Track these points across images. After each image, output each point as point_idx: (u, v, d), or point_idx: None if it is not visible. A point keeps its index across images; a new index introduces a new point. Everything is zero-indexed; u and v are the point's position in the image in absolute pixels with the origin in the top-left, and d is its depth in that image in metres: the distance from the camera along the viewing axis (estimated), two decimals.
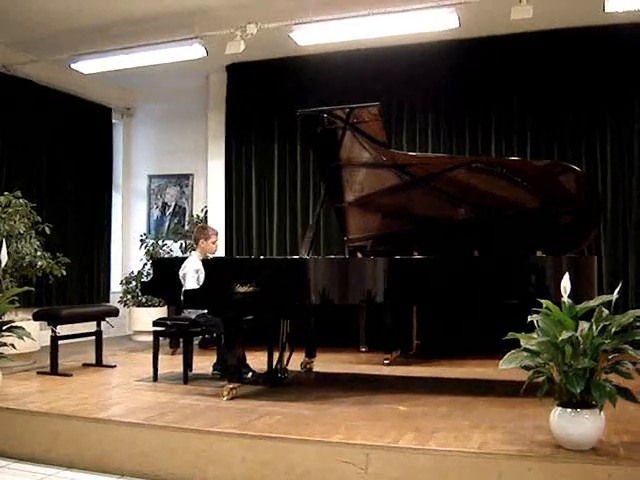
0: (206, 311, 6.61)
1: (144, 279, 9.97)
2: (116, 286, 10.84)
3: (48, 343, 7.05)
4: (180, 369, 6.61)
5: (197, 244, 7.07)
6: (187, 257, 7.36)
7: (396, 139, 8.99)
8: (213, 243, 6.96)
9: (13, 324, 5.82)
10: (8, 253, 6.32)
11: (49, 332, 7.02)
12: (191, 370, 6.79)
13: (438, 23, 7.51)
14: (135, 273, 10.48)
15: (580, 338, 3.91)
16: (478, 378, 6.70)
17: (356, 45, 8.57)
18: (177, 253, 10.55)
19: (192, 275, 6.66)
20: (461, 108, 8.87)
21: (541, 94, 8.47)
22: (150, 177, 11.37)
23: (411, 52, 8.79)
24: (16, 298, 6.05)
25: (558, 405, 4.01)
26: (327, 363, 7.55)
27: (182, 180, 11.15)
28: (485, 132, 8.77)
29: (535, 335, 4.08)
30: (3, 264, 6.16)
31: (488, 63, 8.67)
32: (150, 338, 7.03)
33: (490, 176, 6.24)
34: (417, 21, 7.42)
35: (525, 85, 8.53)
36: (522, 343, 4.10)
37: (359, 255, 7.04)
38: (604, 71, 8.18)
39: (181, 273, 6.84)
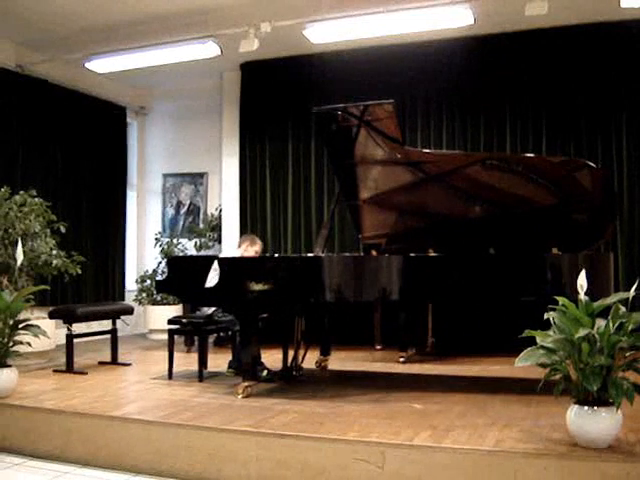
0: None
1: (159, 277, 10.01)
2: (131, 284, 10.88)
3: (64, 341, 7.08)
4: (195, 367, 6.62)
5: (240, 246, 7.08)
6: (202, 255, 7.35)
7: (411, 136, 8.96)
8: (256, 253, 6.96)
9: (29, 322, 5.85)
10: (24, 252, 6.35)
11: (65, 330, 7.05)
12: (206, 368, 6.80)
13: (453, 20, 7.48)
14: (150, 272, 10.53)
15: (597, 335, 3.89)
16: (494, 376, 6.66)
17: (370, 42, 8.55)
18: (192, 251, 10.58)
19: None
20: (476, 105, 8.83)
21: (556, 90, 8.42)
22: (164, 176, 11.40)
23: (425, 49, 8.77)
24: (32, 297, 6.07)
25: (575, 403, 3.98)
26: (342, 361, 7.55)
27: (196, 179, 11.17)
28: (500, 129, 8.72)
29: (551, 333, 4.06)
30: (19, 263, 6.20)
31: (503, 60, 8.63)
32: (165, 336, 7.05)
33: (505, 173, 6.20)
34: (432, 18, 7.40)
35: (540, 81, 8.48)
36: (538, 341, 4.08)
37: (374, 253, 7.03)
38: (620, 67, 8.12)
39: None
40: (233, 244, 8.97)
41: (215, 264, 6.69)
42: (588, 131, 8.32)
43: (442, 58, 8.78)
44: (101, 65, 9.07)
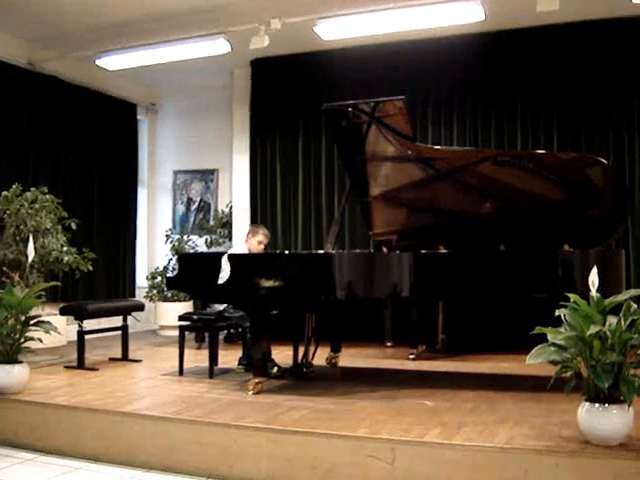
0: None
1: (170, 274, 10.03)
2: (142, 281, 10.91)
3: (75, 338, 7.10)
4: (206, 363, 6.63)
5: (246, 239, 7.08)
6: (212, 252, 7.36)
7: (421, 132, 8.92)
8: (259, 243, 6.92)
9: (40, 319, 5.86)
10: (35, 248, 6.36)
11: (76, 327, 7.08)
12: (217, 364, 6.81)
13: (464, 15, 7.44)
14: (161, 268, 10.55)
15: (608, 333, 3.87)
16: (504, 373, 6.65)
17: (380, 39, 8.51)
18: (202, 248, 10.61)
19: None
20: (487, 101, 8.80)
21: (568, 86, 8.38)
22: (175, 172, 11.42)
23: (436, 45, 8.73)
24: (43, 293, 6.09)
25: (586, 400, 3.97)
26: (352, 358, 7.54)
27: (207, 175, 11.18)
28: (511, 125, 8.69)
29: (562, 330, 4.05)
30: (30, 259, 6.22)
31: (514, 55, 8.59)
32: (176, 333, 7.07)
33: (516, 169, 6.18)
34: (443, 14, 7.36)
35: (551, 77, 8.44)
36: (549, 338, 4.07)
37: (384, 250, 7.02)
38: (632, 63, 8.07)
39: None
40: (243, 241, 8.98)
41: (225, 259, 6.73)
42: (599, 127, 8.27)
43: (453, 54, 8.74)
44: (112, 62, 9.08)
